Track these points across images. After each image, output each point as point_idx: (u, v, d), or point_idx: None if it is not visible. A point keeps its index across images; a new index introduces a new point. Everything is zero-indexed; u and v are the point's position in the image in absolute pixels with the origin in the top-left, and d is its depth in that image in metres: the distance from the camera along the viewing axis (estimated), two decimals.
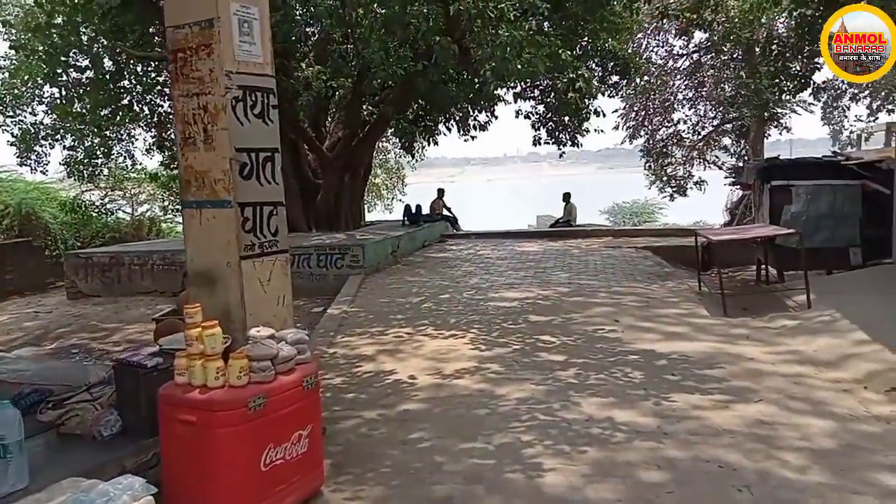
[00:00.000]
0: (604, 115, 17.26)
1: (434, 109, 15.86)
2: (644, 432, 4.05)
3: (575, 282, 9.69)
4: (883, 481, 3.34)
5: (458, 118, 16.54)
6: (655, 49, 27.98)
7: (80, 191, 18.65)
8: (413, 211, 16.10)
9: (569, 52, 13.96)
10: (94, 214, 17.84)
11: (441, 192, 17.86)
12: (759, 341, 6.19)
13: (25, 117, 16.61)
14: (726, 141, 29.38)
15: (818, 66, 12.64)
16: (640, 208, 35.13)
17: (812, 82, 12.75)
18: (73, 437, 3.66)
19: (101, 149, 17.15)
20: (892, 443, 3.81)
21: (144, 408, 3.55)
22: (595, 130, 19.22)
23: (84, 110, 15.45)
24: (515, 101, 17.37)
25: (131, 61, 14.56)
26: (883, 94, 28.06)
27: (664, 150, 29.23)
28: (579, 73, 15.66)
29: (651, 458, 3.71)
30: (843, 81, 26.56)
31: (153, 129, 17.02)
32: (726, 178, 29.24)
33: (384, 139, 26.07)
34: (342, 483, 3.68)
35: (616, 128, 29.23)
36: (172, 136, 14.90)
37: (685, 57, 28.27)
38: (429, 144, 19.38)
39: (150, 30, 13.26)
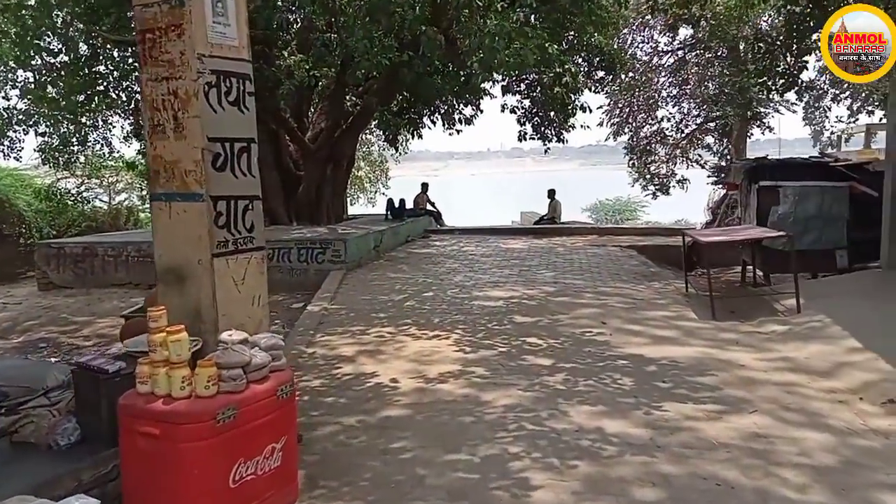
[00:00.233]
0: (590, 111, 17.12)
1: (419, 102, 15.61)
2: (636, 445, 3.87)
3: (560, 281, 9.53)
4: (887, 502, 3.19)
5: (443, 111, 16.30)
6: (640, 45, 27.96)
7: (56, 178, 18.15)
8: (396, 205, 15.85)
9: (555, 46, 13.79)
10: (70, 203, 17.36)
11: (425, 186, 17.62)
12: (749, 346, 6.06)
13: None
14: (709, 140, 29.47)
15: (806, 64, 12.62)
16: (622, 206, 35.24)
17: (800, 81, 12.73)
18: (28, 445, 3.40)
19: (76, 135, 16.66)
20: (892, 459, 3.67)
21: (105, 416, 3.29)
22: (581, 126, 19.14)
23: (58, 95, 14.96)
24: (504, 95, 17.19)
25: (107, 45, 14.09)
26: (863, 95, 28.28)
27: (648, 147, 29.24)
28: (566, 67, 15.50)
29: (645, 473, 3.53)
30: (825, 82, 26.68)
31: (131, 117, 16.54)
32: (709, 177, 29.42)
33: (368, 131, 25.74)
34: (317, 498, 3.46)
35: (601, 124, 29.17)
36: None
37: (670, 54, 28.27)
38: (413, 138, 19.15)
39: (128, 13, 12.82)
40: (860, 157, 12.75)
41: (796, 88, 14.31)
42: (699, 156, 29.61)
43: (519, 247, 13.22)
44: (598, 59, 17.25)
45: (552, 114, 17.08)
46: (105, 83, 14.92)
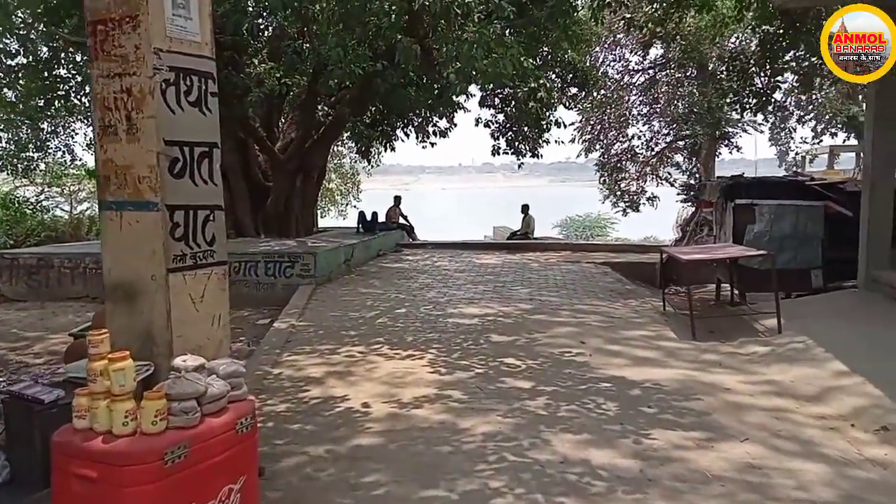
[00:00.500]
0: (565, 126, 17.09)
1: (392, 113, 15.35)
2: (626, 478, 3.61)
3: (536, 298, 9.31)
4: None
5: (416, 123, 16.07)
6: (612, 64, 28.27)
7: (14, 186, 17.41)
8: (368, 218, 15.54)
9: (531, 61, 13.69)
10: (29, 211, 16.65)
11: (398, 199, 17.34)
12: (732, 369, 5.88)
13: None
14: (678, 158, 29.84)
15: (779, 84, 12.75)
16: (592, 222, 35.43)
17: (773, 100, 12.84)
18: None
19: (35, 141, 16.01)
20: (891, 492, 3.48)
21: (39, 452, 2.92)
22: (556, 141, 19.11)
23: (16, 99, 14.36)
24: (480, 107, 17.05)
25: (69, 48, 13.56)
26: (827, 117, 28.95)
27: (618, 164, 29.48)
28: (541, 82, 15.44)
29: None
30: (791, 103, 27.16)
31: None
32: (678, 194, 29.75)
33: (339, 143, 25.40)
34: None
35: (572, 140, 29.34)
36: None
37: (641, 73, 28.62)
38: (386, 150, 18.88)
39: None
40: (833, 177, 12.90)
41: (769, 108, 14.45)
42: (668, 174, 29.98)
43: (493, 262, 13.00)
44: (571, 75, 17.27)
45: (526, 129, 17.00)
46: (66, 87, 14.35)
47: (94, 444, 2.51)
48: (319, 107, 14.57)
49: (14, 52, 13.60)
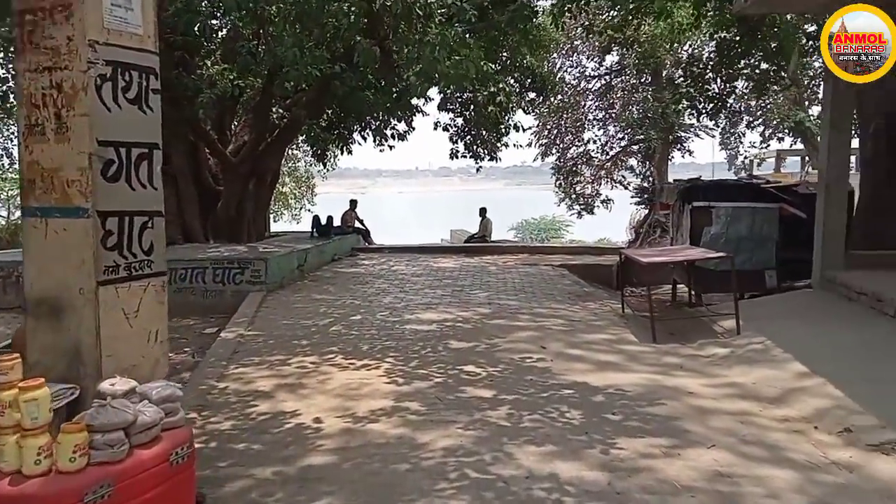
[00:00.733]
0: (523, 130, 17.10)
1: (350, 116, 15.05)
2: (594, 492, 3.46)
3: (495, 302, 9.16)
4: None
5: (374, 126, 15.80)
6: (569, 70, 28.58)
7: None
8: (323, 222, 15.19)
9: (490, 65, 13.60)
10: None
11: (353, 203, 17.02)
12: (693, 371, 5.83)
13: None
14: (632, 162, 30.34)
15: (735, 89, 12.95)
16: (547, 224, 35.76)
17: (728, 104, 13.08)
18: None
19: None
20: (862, 497, 3.42)
21: None
22: (514, 145, 19.11)
23: None
24: (439, 111, 16.89)
25: (9, 48, 12.84)
26: (774, 122, 29.83)
27: (574, 168, 29.80)
28: (500, 86, 15.38)
29: None
30: (740, 107, 27.82)
31: None
32: (632, 197, 30.24)
33: (294, 146, 24.89)
34: None
35: (529, 145, 29.55)
36: None
37: (597, 78, 28.99)
38: (342, 153, 18.54)
39: None
40: (786, 180, 13.17)
41: (724, 112, 14.71)
42: (623, 177, 30.48)
43: (450, 266, 12.83)
44: (529, 80, 17.27)
45: (485, 132, 16.93)
46: (4, 88, 13.61)
47: (1, 488, 2.20)
48: (274, 109, 14.17)
49: None
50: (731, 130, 32.03)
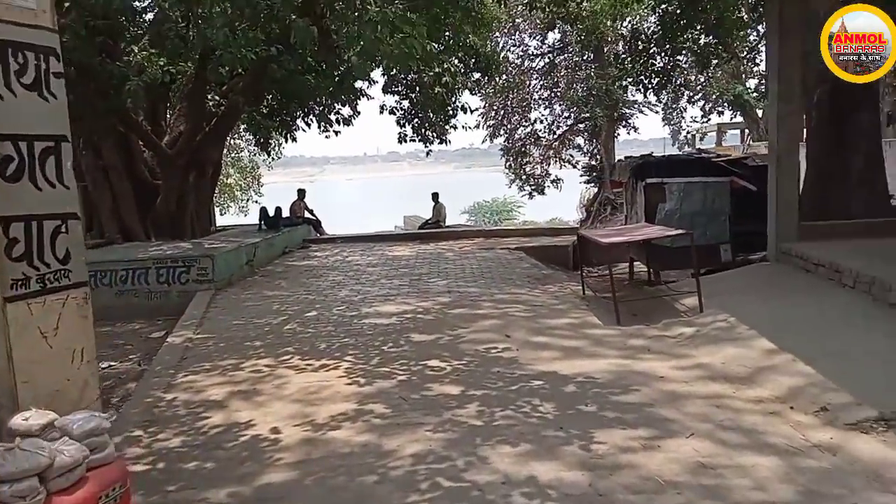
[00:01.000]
0: (471, 112, 16.81)
1: (291, 102, 14.46)
2: (576, 496, 3.25)
3: (454, 290, 8.92)
4: None
5: (317, 112, 15.24)
6: (512, 49, 28.40)
7: None
8: (271, 214, 14.62)
9: (434, 45, 13.21)
10: None
11: (302, 192, 16.44)
12: (661, 354, 5.71)
13: None
14: (579, 140, 30.49)
15: (679, 63, 12.98)
16: (499, 206, 35.81)
17: (675, 78, 13.12)
18: None
19: None
20: (846, 481, 3.31)
21: None
22: (462, 127, 18.81)
23: None
24: (384, 94, 16.43)
25: None
26: (714, 97, 30.41)
27: (523, 149, 29.77)
28: (445, 66, 15.03)
29: None
30: (681, 82, 28.28)
31: None
32: (581, 176, 30.46)
33: (236, 135, 24.01)
34: None
35: (477, 126, 29.34)
36: None
37: (540, 57, 28.93)
38: (286, 141, 17.93)
39: None
40: (734, 154, 13.30)
41: (669, 87, 14.74)
42: (571, 156, 30.61)
43: (406, 254, 12.52)
44: (473, 60, 16.96)
45: (432, 115, 16.57)
46: None
47: None
48: (210, 96, 13.47)
49: None
50: (674, 106, 32.53)
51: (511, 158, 29.75)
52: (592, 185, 29.25)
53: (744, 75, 29.97)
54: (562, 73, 28.93)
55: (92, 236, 12.56)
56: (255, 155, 26.89)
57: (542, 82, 29.51)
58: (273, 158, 23.69)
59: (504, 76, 25.77)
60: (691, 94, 30.46)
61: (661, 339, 6.18)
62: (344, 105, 15.45)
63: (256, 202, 26.64)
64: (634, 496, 3.23)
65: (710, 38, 12.75)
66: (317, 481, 3.59)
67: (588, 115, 27.33)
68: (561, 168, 30.54)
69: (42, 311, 2.74)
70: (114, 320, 9.37)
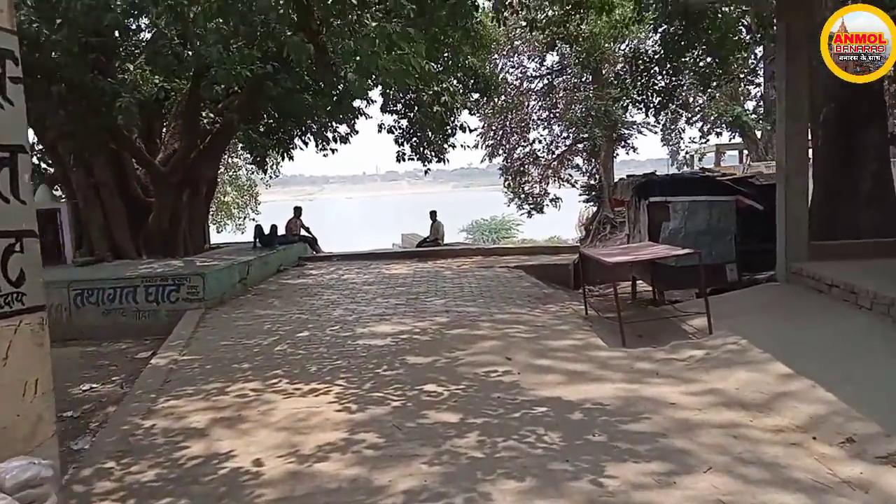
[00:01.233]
0: (470, 131, 16.65)
1: (288, 120, 14.27)
2: None
3: (453, 309, 8.62)
4: None
5: (314, 130, 15.04)
6: (510, 70, 28.44)
7: None
8: (266, 232, 14.36)
9: (432, 65, 13.06)
10: None
11: (298, 210, 16.20)
12: (670, 378, 5.41)
13: None
14: (578, 160, 30.44)
15: (681, 83, 12.83)
16: (498, 225, 35.64)
17: (676, 98, 12.96)
18: None
19: None
20: None
21: None
22: (461, 146, 18.63)
23: None
24: (383, 113, 16.26)
25: None
26: (712, 118, 30.39)
27: (521, 168, 29.70)
28: (444, 86, 14.89)
29: None
30: (680, 105, 28.35)
31: None
32: (580, 195, 30.33)
33: (233, 154, 23.86)
34: None
35: (476, 146, 29.29)
36: None
37: (539, 78, 28.96)
38: (283, 159, 17.72)
39: None
40: (741, 173, 13.10)
41: (670, 107, 14.59)
42: (570, 175, 30.56)
43: (403, 272, 12.24)
44: (472, 80, 16.86)
45: (431, 134, 16.40)
46: None
47: None
48: (204, 114, 13.27)
49: None
50: (672, 126, 32.54)
51: (510, 178, 29.68)
52: (591, 203, 29.16)
53: (742, 97, 29.98)
54: (560, 95, 28.96)
55: (82, 254, 12.29)
56: (252, 173, 26.73)
57: (540, 103, 29.53)
58: (270, 177, 23.49)
59: (503, 97, 25.78)
60: (690, 115, 30.47)
61: (669, 363, 5.88)
62: (342, 123, 15.27)
63: (254, 220, 26.40)
64: None
65: (711, 58, 12.63)
66: None
67: (587, 135, 27.29)
68: (560, 187, 30.45)
69: None
70: (100, 340, 9.09)
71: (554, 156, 29.93)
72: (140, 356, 8.03)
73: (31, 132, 12.10)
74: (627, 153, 29.94)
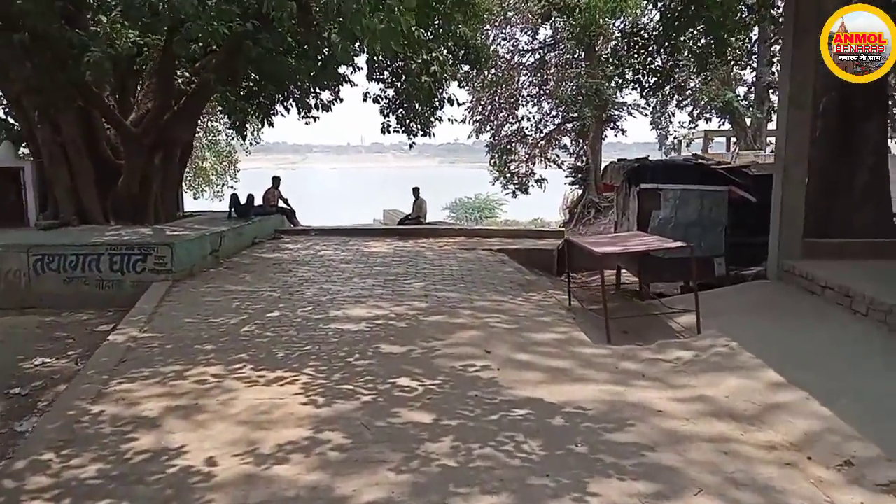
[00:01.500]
0: (458, 104, 16.16)
1: (270, 84, 13.69)
2: None
3: (432, 294, 8.29)
4: None
5: (297, 96, 14.48)
6: (502, 43, 27.82)
7: None
8: (242, 202, 13.86)
9: (423, 32, 12.55)
10: None
11: (276, 180, 15.67)
12: (657, 381, 5.13)
13: None
14: (566, 140, 30.03)
15: (679, 62, 12.45)
16: (481, 203, 35.30)
17: (673, 79, 12.59)
18: None
19: None
20: None
21: None
22: (448, 120, 18.15)
23: None
24: (368, 81, 15.71)
25: None
26: (702, 103, 30.08)
27: (509, 146, 29.27)
28: (433, 55, 14.38)
29: None
30: (673, 88, 28.04)
31: None
32: (567, 177, 30.04)
33: (212, 117, 23.14)
34: None
35: (463, 121, 28.73)
36: None
37: (531, 53, 28.39)
38: (263, 125, 17.13)
39: None
40: (747, 161, 12.83)
41: (667, 88, 14.21)
42: (557, 156, 30.18)
43: (383, 251, 11.86)
44: (462, 51, 16.33)
45: (417, 105, 15.89)
46: None
47: None
48: (180, 73, 12.64)
49: None
50: (662, 109, 32.23)
51: (496, 155, 29.23)
52: (577, 186, 28.86)
53: (734, 82, 29.68)
54: (552, 71, 28.43)
55: (46, 216, 11.73)
56: (232, 138, 25.99)
57: (531, 79, 29.00)
58: (251, 143, 22.82)
59: (493, 70, 25.22)
60: (680, 98, 30.15)
61: (655, 363, 5.61)
62: (325, 90, 14.72)
63: (232, 187, 25.75)
64: None
65: (710, 38, 12.25)
66: None
67: (576, 114, 26.89)
68: (546, 168, 30.08)
69: None
70: (60, 309, 8.67)
71: (542, 135, 29.51)
72: (100, 329, 7.63)
73: None
74: (616, 135, 29.54)
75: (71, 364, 6.38)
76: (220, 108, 17.08)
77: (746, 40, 17.88)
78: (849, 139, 8.61)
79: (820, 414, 4.20)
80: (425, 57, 13.56)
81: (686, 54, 12.37)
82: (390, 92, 16.12)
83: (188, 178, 24.80)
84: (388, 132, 16.46)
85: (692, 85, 26.80)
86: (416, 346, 5.96)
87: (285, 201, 15.64)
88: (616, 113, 27.92)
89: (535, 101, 29.26)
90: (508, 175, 29.50)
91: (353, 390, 4.81)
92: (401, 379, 5.05)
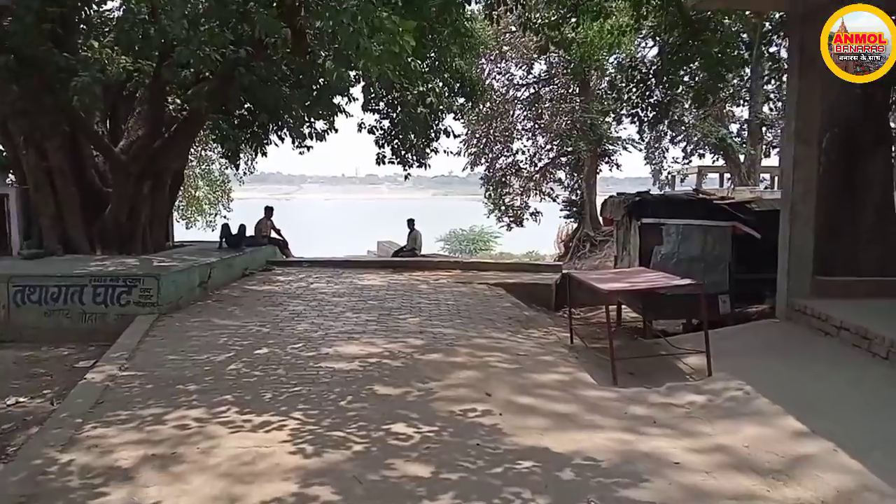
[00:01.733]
0: (454, 136, 16.01)
1: (262, 113, 13.49)
2: None
3: (427, 330, 7.97)
4: None
5: (291, 125, 14.29)
6: (497, 77, 27.97)
7: None
8: (234, 232, 13.56)
9: (419, 63, 12.44)
10: None
11: (269, 210, 15.40)
12: (670, 428, 4.81)
13: None
14: (561, 174, 30.05)
15: (676, 96, 12.40)
16: (476, 236, 35.14)
17: (671, 113, 12.52)
18: None
19: None
20: None
21: None
22: (444, 152, 18.00)
23: None
24: (364, 111, 15.56)
25: None
26: (695, 139, 30.24)
27: (503, 179, 29.24)
28: (429, 86, 14.28)
29: None
30: (671, 122, 28.16)
31: None
32: (561, 210, 29.95)
33: (205, 146, 22.94)
34: None
35: (459, 153, 28.72)
36: None
37: (525, 87, 28.54)
38: (257, 155, 16.91)
39: None
40: (751, 196, 12.68)
41: (665, 122, 14.15)
42: (551, 189, 30.15)
43: (377, 283, 11.54)
44: (458, 84, 16.28)
45: (413, 137, 15.74)
46: None
47: None
48: (171, 100, 12.43)
49: None
50: (656, 145, 32.40)
51: (491, 188, 29.19)
52: (572, 220, 28.77)
53: (727, 119, 29.88)
54: (546, 105, 28.57)
55: (30, 245, 11.38)
56: (226, 168, 25.79)
57: (525, 113, 29.11)
58: (244, 173, 22.61)
59: (488, 104, 25.28)
60: (674, 134, 30.31)
61: (666, 408, 5.29)
62: (320, 119, 14.55)
63: (225, 217, 25.45)
64: None
65: (708, 74, 12.22)
66: None
67: (571, 148, 26.92)
68: (541, 201, 30.03)
69: None
70: (40, 343, 8.29)
71: (536, 168, 29.51)
72: (80, 365, 7.25)
73: None
74: (611, 169, 29.57)
75: (46, 404, 6.00)
76: (212, 136, 16.90)
77: (741, 77, 17.95)
78: (853, 176, 8.45)
79: (851, 468, 3.89)
80: (421, 88, 13.44)
81: (682, 90, 12.31)
82: (386, 123, 15.99)
83: (180, 207, 24.53)
84: (384, 163, 16.27)
85: (687, 121, 26.93)
86: (412, 387, 5.62)
87: (278, 232, 15.35)
88: (611, 147, 28.01)
89: (530, 134, 29.37)
90: (503, 207, 29.42)
91: (344, 437, 4.46)
92: (396, 425, 4.70)
